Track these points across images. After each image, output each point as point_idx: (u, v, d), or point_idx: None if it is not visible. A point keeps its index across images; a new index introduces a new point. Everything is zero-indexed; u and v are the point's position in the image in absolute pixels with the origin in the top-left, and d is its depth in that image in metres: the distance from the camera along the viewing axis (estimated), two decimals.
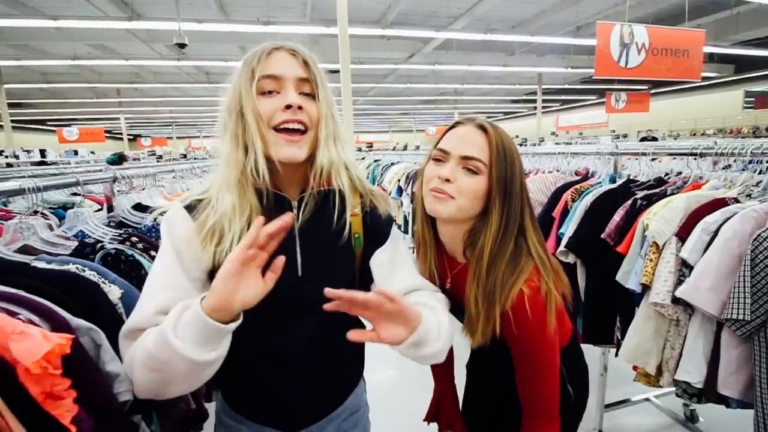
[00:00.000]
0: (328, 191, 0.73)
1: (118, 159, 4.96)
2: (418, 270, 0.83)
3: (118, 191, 1.55)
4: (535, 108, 13.44)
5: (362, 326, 0.67)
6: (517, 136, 11.61)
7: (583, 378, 0.97)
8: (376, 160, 5.30)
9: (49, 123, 18.61)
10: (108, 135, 18.02)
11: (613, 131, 12.59)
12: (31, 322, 0.64)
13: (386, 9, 7.20)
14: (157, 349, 0.57)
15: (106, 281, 0.87)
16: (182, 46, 5.76)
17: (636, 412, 2.04)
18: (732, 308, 1.04)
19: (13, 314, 0.63)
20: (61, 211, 1.56)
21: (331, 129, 0.71)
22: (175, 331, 0.56)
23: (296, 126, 0.67)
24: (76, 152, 12.33)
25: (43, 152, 10.31)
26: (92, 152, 13.05)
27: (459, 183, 0.73)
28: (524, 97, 16.31)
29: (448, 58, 9.48)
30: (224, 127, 0.70)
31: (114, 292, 0.86)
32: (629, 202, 1.40)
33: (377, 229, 0.77)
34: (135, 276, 0.98)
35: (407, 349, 0.64)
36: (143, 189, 1.74)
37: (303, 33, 7.57)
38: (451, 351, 1.03)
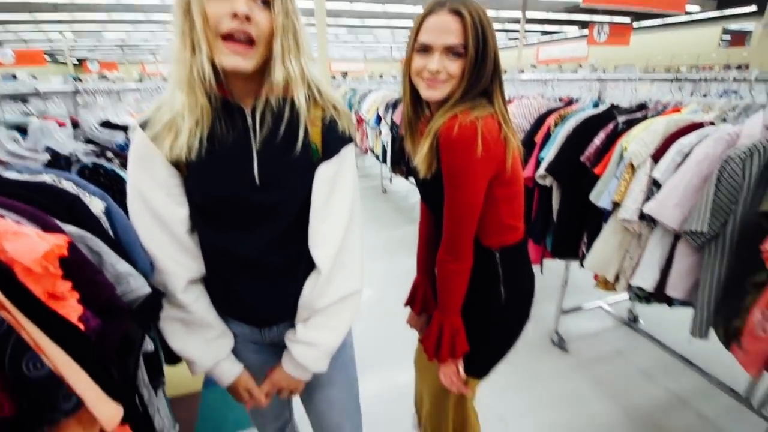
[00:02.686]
0: (284, 102, 0.72)
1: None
2: (355, 210, 0.81)
3: (81, 108, 1.43)
4: (517, 39, 12.90)
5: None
6: None
7: (521, 285, 0.98)
8: (352, 89, 5.08)
9: None
10: (50, 60, 16.07)
11: (593, 65, 12.42)
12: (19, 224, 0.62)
13: None
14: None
15: (86, 193, 0.81)
16: None
17: (589, 316, 2.33)
18: (692, 222, 1.14)
19: None
20: (14, 132, 1.43)
21: (291, 43, 0.68)
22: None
23: (242, 37, 0.64)
24: (14, 76, 11.03)
25: None
26: (34, 77, 11.70)
27: (447, 69, 0.80)
28: (506, 27, 15.57)
29: None
30: (174, 24, 0.66)
31: (96, 204, 0.80)
32: (611, 125, 1.44)
33: (331, 143, 0.75)
34: (117, 191, 0.94)
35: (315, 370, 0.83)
36: (105, 109, 1.61)
37: None
38: (427, 251, 1.11)
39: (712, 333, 1.23)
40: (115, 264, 0.71)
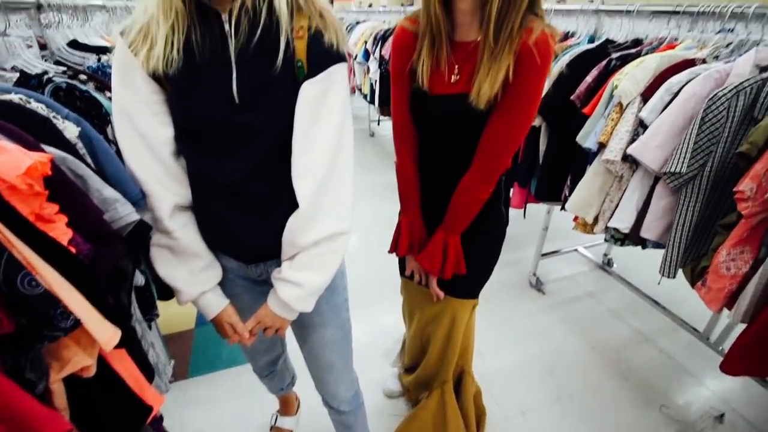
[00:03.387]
0: (261, 7, 0.65)
1: None
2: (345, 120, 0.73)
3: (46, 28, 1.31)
4: None
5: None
6: None
7: (509, 204, 1.08)
8: (340, 18, 4.77)
9: None
10: None
11: None
12: None
13: None
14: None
15: (59, 117, 0.75)
16: None
17: (565, 260, 2.44)
18: (672, 162, 1.17)
19: None
20: None
21: None
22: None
23: None
24: None
25: None
26: None
27: None
28: None
29: None
30: None
31: (70, 130, 0.74)
32: (603, 62, 1.41)
33: (315, 57, 0.67)
34: (96, 116, 0.90)
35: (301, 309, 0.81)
36: (71, 28, 1.48)
37: None
38: (415, 188, 1.04)
39: (679, 276, 1.29)
40: (101, 189, 0.69)
